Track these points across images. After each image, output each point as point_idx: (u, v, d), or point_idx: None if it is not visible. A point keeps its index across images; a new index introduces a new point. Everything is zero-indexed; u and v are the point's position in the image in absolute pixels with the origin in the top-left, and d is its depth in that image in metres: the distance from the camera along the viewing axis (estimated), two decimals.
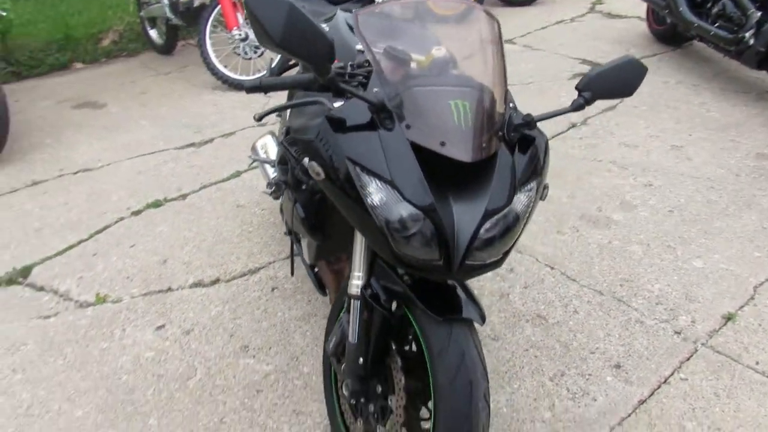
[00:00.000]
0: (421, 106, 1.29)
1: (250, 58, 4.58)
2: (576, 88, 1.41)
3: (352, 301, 1.49)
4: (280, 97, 3.96)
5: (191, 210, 3.07)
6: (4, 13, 4.21)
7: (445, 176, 1.28)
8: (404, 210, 1.22)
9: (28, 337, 2.29)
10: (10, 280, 2.62)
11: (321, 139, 1.31)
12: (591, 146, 3.45)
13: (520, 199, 1.34)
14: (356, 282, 1.49)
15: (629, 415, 1.85)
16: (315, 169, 1.31)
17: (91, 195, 3.26)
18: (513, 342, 2.14)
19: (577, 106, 1.40)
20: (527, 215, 1.36)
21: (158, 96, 4.60)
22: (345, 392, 1.55)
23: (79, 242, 2.86)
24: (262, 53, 4.56)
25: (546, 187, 1.47)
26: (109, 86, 4.84)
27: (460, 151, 1.25)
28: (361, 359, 1.48)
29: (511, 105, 1.42)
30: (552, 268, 2.49)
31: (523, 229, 1.36)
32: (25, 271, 2.68)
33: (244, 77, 4.54)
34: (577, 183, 3.08)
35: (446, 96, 1.30)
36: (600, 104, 3.81)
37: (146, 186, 3.31)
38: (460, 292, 1.45)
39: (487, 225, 1.26)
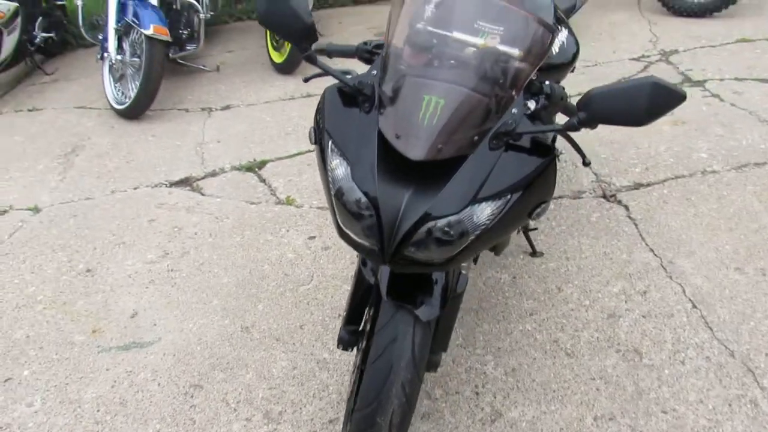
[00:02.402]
0: (400, 96, 1.31)
1: None
2: (576, 104, 1.22)
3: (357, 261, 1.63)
4: None
5: None
6: None
7: (415, 166, 1.29)
8: (351, 191, 1.31)
9: (231, 213, 2.96)
10: (250, 168, 3.36)
11: (320, 107, 1.44)
12: None
13: (483, 210, 1.27)
14: None
15: None
16: (310, 133, 1.45)
17: None
18: (585, 365, 1.96)
19: (568, 126, 1.22)
20: (489, 229, 1.28)
21: None
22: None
23: (306, 152, 3.45)
24: None
25: (542, 205, 1.34)
26: None
27: (412, 147, 1.25)
28: (345, 312, 1.63)
29: (513, 111, 1.30)
30: (694, 307, 2.10)
31: (478, 241, 1.29)
32: (262, 164, 3.38)
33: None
34: None
35: (425, 89, 1.29)
36: None
37: None
38: (436, 287, 1.46)
39: (428, 226, 1.26)
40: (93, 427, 1.97)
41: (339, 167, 1.33)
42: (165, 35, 3.84)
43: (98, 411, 2.02)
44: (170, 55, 4.52)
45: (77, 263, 2.73)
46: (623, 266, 2.31)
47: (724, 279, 2.20)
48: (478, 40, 1.38)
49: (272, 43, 4.59)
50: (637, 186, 2.75)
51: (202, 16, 4.44)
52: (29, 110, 4.43)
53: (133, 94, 3.95)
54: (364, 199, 1.28)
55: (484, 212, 1.27)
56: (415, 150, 1.25)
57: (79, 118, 4.20)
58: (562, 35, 1.76)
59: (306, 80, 1.58)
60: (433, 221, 1.25)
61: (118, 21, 3.94)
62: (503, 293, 2.27)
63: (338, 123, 1.37)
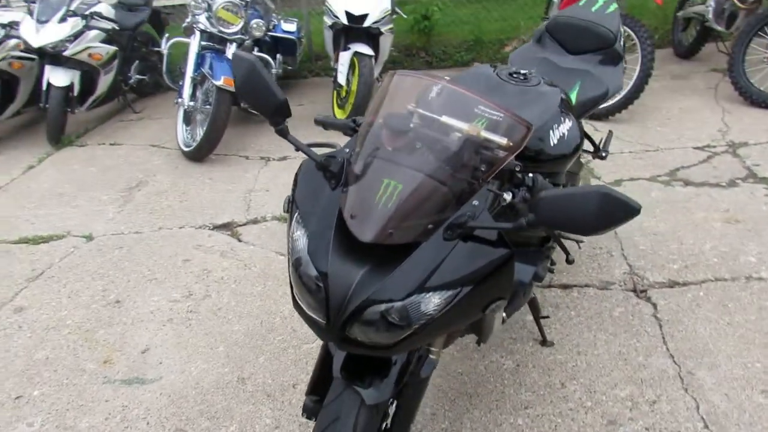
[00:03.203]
0: (363, 176, 1.32)
1: None
2: (527, 203, 1.18)
3: None
4: None
5: None
6: (405, 16, 5.10)
7: (372, 247, 1.29)
8: (306, 264, 1.32)
9: (260, 262, 3.04)
10: None
11: (296, 177, 1.48)
12: None
13: (430, 300, 1.24)
14: None
15: None
16: (285, 202, 1.49)
17: None
18: None
19: (517, 226, 1.18)
20: (436, 319, 1.25)
21: None
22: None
23: None
24: None
25: (498, 302, 1.29)
26: None
27: (363, 228, 1.25)
28: (309, 381, 1.62)
29: (474, 203, 1.28)
30: (706, 427, 1.92)
31: (425, 330, 1.26)
32: None
33: None
34: None
35: (387, 172, 1.30)
36: None
37: None
38: (393, 370, 1.43)
39: (373, 309, 1.24)
40: None
41: (300, 239, 1.35)
42: (233, 86, 4.08)
43: None
44: (242, 104, 4.80)
45: (110, 293, 2.88)
46: (637, 370, 2.16)
47: (746, 401, 2.00)
48: (463, 126, 1.38)
49: (337, 102, 4.77)
50: (672, 284, 2.58)
51: (273, 71, 4.70)
52: (110, 144, 4.81)
53: (199, 138, 4.20)
54: (315, 273, 1.29)
55: (431, 302, 1.24)
56: (366, 232, 1.25)
57: (150, 156, 4.50)
58: (564, 127, 1.72)
59: (297, 150, 1.62)
60: (378, 305, 1.24)
61: (195, 71, 4.24)
62: (502, 380, 2.17)
63: (307, 195, 1.40)
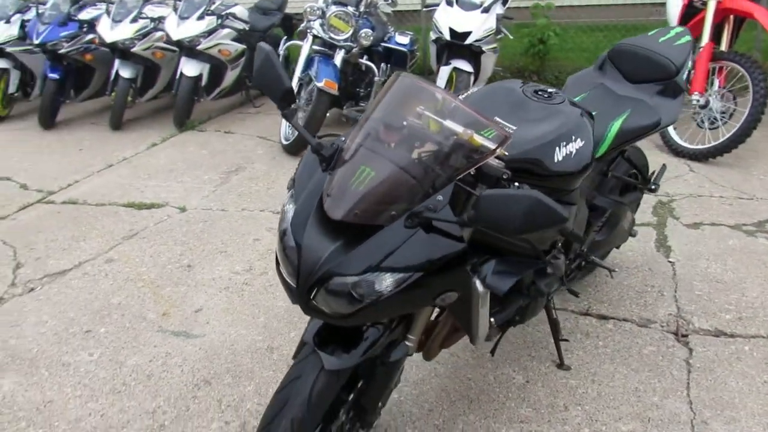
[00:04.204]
0: (347, 161, 1.45)
1: (710, 128, 4.18)
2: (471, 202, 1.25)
3: None
4: None
5: None
6: (512, 37, 5.11)
7: (346, 226, 1.42)
8: (288, 235, 1.48)
9: None
10: None
11: (301, 159, 1.64)
12: None
13: (384, 279, 1.36)
14: None
15: None
16: (290, 179, 1.65)
17: None
18: None
19: (459, 221, 1.25)
20: (389, 298, 1.36)
21: None
22: None
23: None
24: (716, 126, 4.11)
25: (448, 293, 1.37)
26: None
27: (333, 206, 1.39)
28: (297, 348, 1.77)
29: (439, 198, 1.37)
30: None
31: (377, 305, 1.37)
32: None
33: (692, 146, 4.19)
34: None
35: (365, 160, 1.42)
36: None
37: None
38: (360, 345, 1.55)
39: (333, 281, 1.38)
40: (119, 387, 2.34)
41: (289, 212, 1.52)
42: (332, 89, 4.38)
43: (129, 376, 2.39)
44: (344, 108, 5.10)
45: (184, 258, 3.23)
46: (648, 408, 2.08)
47: None
48: (458, 128, 1.47)
49: None
50: (718, 333, 2.44)
51: (376, 79, 4.94)
52: (225, 132, 5.31)
53: (296, 133, 4.53)
54: (293, 243, 1.45)
55: (384, 281, 1.35)
56: (335, 210, 1.39)
57: (255, 146, 4.92)
58: (574, 145, 1.72)
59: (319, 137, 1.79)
60: (339, 277, 1.37)
61: (303, 71, 4.59)
62: (507, 393, 2.19)
63: (304, 176, 1.56)
